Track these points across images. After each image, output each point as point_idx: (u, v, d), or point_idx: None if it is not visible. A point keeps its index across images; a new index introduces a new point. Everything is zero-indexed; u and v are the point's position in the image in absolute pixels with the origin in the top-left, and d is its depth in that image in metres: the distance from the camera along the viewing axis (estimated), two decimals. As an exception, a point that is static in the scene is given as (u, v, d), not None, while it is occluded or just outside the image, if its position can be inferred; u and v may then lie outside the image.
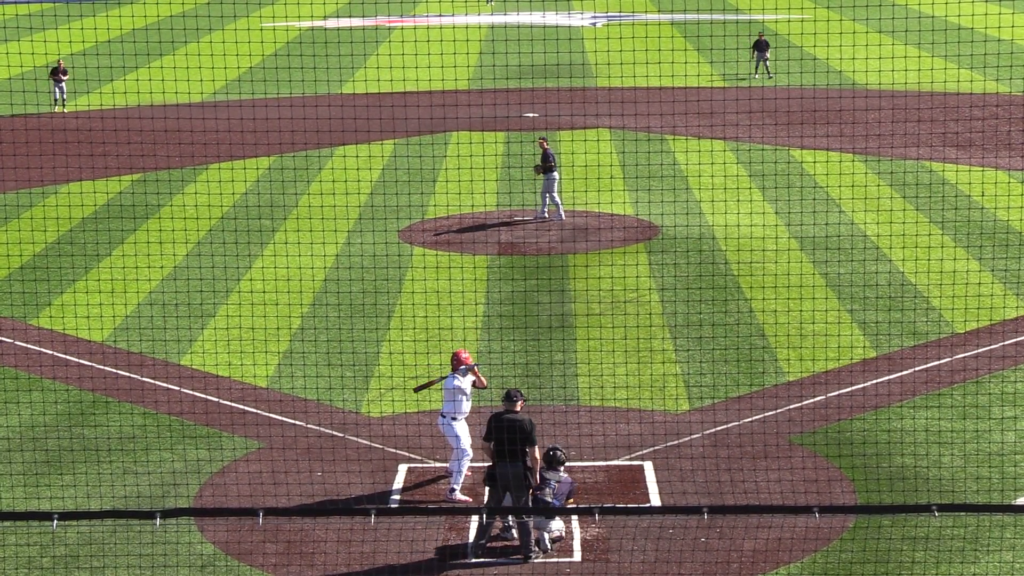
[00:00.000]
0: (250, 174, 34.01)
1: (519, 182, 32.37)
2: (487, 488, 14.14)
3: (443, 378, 15.64)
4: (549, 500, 13.90)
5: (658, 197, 30.53)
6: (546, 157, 28.14)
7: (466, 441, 15.34)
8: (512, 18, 73.04)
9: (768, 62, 49.54)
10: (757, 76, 49.37)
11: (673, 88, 46.03)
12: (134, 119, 41.34)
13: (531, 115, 42.51)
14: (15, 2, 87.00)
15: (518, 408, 14.31)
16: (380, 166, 35.02)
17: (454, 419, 15.33)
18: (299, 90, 46.91)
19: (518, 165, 34.39)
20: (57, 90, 44.05)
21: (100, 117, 42.20)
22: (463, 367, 15.32)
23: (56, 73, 44.14)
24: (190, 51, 55.03)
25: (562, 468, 14.22)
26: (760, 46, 49.31)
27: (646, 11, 75.72)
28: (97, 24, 65.76)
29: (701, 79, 49.01)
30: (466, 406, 15.34)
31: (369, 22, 71.80)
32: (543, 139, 28.94)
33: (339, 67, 51.79)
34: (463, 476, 15.46)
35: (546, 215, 28.65)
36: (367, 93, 46.65)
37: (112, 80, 50.01)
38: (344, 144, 37.58)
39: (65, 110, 44.08)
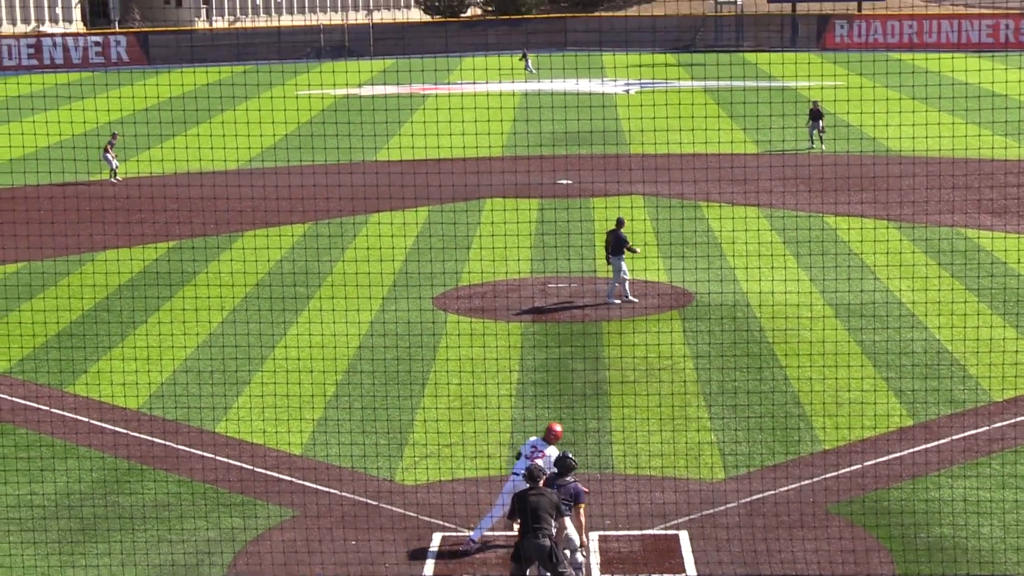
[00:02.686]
0: (285, 241, 34.30)
1: (553, 249, 32.49)
2: (512, 564, 14.25)
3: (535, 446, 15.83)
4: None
5: (692, 264, 30.57)
6: (619, 240, 27.14)
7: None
8: (546, 85, 73.63)
9: (823, 131, 48.55)
10: (813, 146, 48.48)
11: (707, 154, 46.20)
12: (170, 187, 41.82)
13: (565, 182, 42.75)
14: (54, 71, 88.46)
15: (541, 484, 14.42)
16: (414, 233, 35.25)
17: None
18: (334, 157, 47.40)
19: (552, 232, 34.54)
20: (111, 160, 44.59)
21: (136, 185, 42.72)
22: (555, 439, 15.77)
23: (109, 147, 44.77)
24: (226, 119, 55.74)
25: (571, 474, 14.85)
26: (814, 115, 48.56)
27: (679, 79, 76.16)
28: (135, 92, 66.75)
29: (735, 145, 49.18)
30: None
31: (404, 90, 72.55)
32: (620, 220, 27.56)
33: (374, 134, 52.28)
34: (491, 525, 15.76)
35: (616, 301, 27.44)
36: (401, 160, 47.07)
37: (149, 148, 50.67)
38: (379, 211, 37.86)
39: (117, 179, 44.46)
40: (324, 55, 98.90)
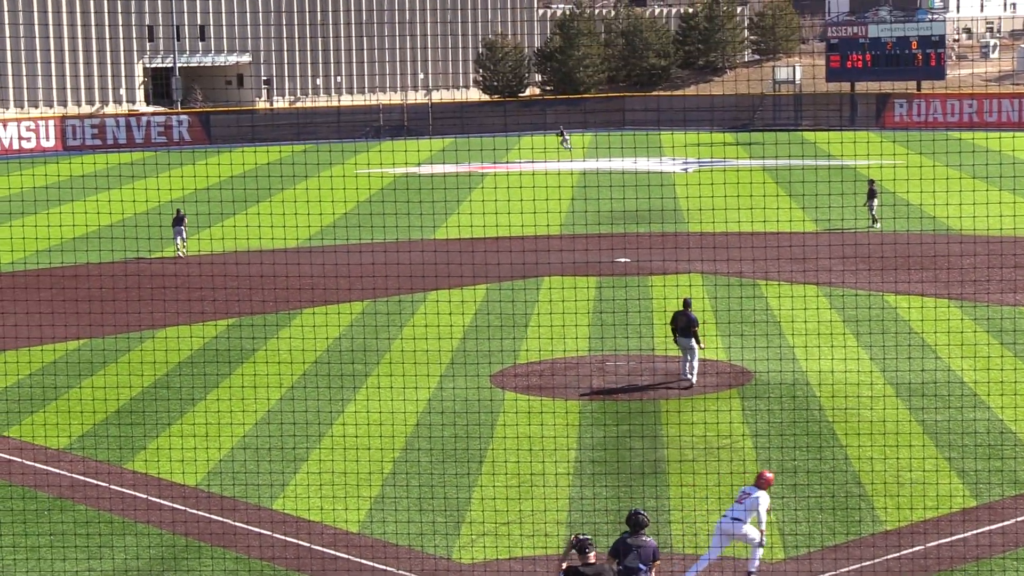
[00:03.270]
0: (343, 319, 34.61)
1: (611, 327, 32.54)
2: None
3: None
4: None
5: (751, 342, 30.50)
6: (690, 321, 26.89)
7: (755, 533, 16.76)
8: (604, 164, 74.04)
9: (874, 209, 48.51)
10: (874, 225, 48.34)
11: (765, 233, 46.19)
12: (230, 264, 42.38)
13: (623, 260, 42.88)
14: (117, 151, 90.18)
15: (592, 559, 14.17)
16: (472, 311, 35.45)
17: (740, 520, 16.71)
18: (392, 235, 47.88)
19: (610, 310, 34.62)
20: (179, 238, 45.85)
21: (197, 263, 43.34)
22: (766, 485, 17.08)
23: (177, 221, 45.99)
24: (286, 198, 56.52)
25: (644, 531, 14.87)
26: (870, 194, 48.50)
27: (737, 157, 76.35)
28: (196, 172, 67.88)
29: (793, 224, 49.14)
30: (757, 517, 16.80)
31: (462, 168, 73.27)
32: (687, 301, 27.51)
33: (432, 212, 52.77)
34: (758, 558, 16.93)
35: (690, 377, 27.13)
36: (460, 238, 47.44)
37: (209, 227, 51.46)
38: (437, 289, 38.15)
39: (187, 254, 45.60)
40: (383, 134, 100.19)
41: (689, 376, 27.17)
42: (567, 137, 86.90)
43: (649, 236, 47.31)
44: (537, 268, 41.29)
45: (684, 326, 26.98)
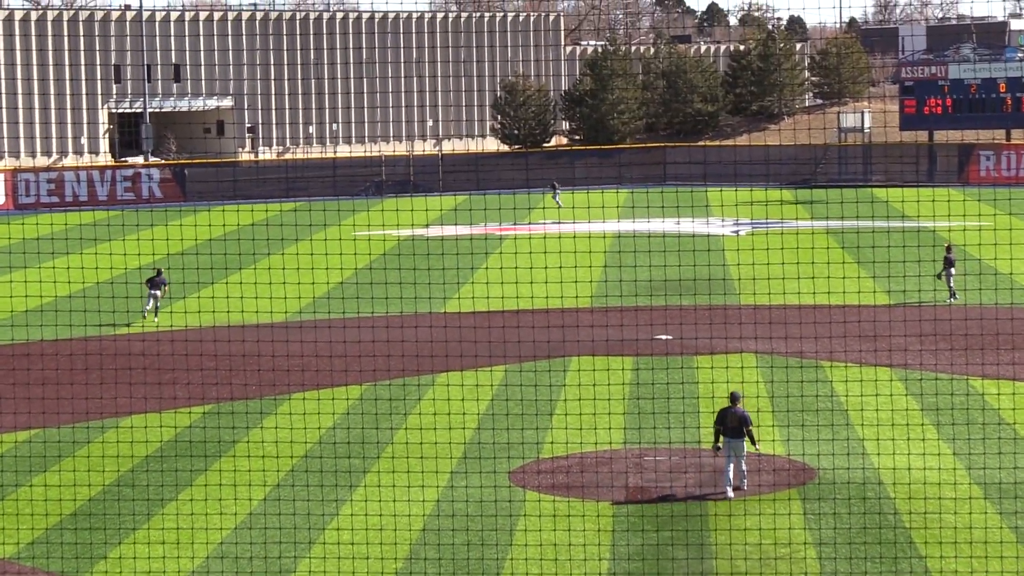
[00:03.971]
0: (338, 405, 34.68)
1: (650, 416, 32.53)
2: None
3: None
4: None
5: (814, 434, 30.44)
6: (743, 420, 26.60)
7: None
8: (641, 226, 74.29)
9: (951, 279, 48.43)
10: (955, 298, 48.24)
11: (830, 306, 46.21)
12: (207, 342, 42.57)
13: (664, 337, 42.94)
14: (77, 209, 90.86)
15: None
16: (488, 396, 35.50)
17: None
18: (396, 308, 48.07)
19: (648, 396, 34.60)
20: (152, 300, 46.91)
21: (169, 340, 43.54)
22: None
23: (154, 282, 47.04)
24: (272, 264, 56.86)
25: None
26: (947, 261, 48.39)
27: (797, 218, 76.49)
28: (169, 234, 68.36)
29: (863, 296, 49.18)
30: None
31: (477, 230, 73.61)
32: (735, 395, 27.10)
33: (442, 282, 53.00)
34: None
35: (742, 487, 26.97)
36: (474, 312, 47.61)
37: (184, 297, 51.75)
38: (447, 371, 38.23)
39: (158, 324, 46.29)
40: (385, 191, 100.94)
41: (740, 486, 26.82)
42: (559, 192, 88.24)
43: (694, 310, 47.35)
44: (564, 347, 41.35)
45: (735, 426, 26.53)
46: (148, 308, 48.46)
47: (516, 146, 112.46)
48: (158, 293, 48.41)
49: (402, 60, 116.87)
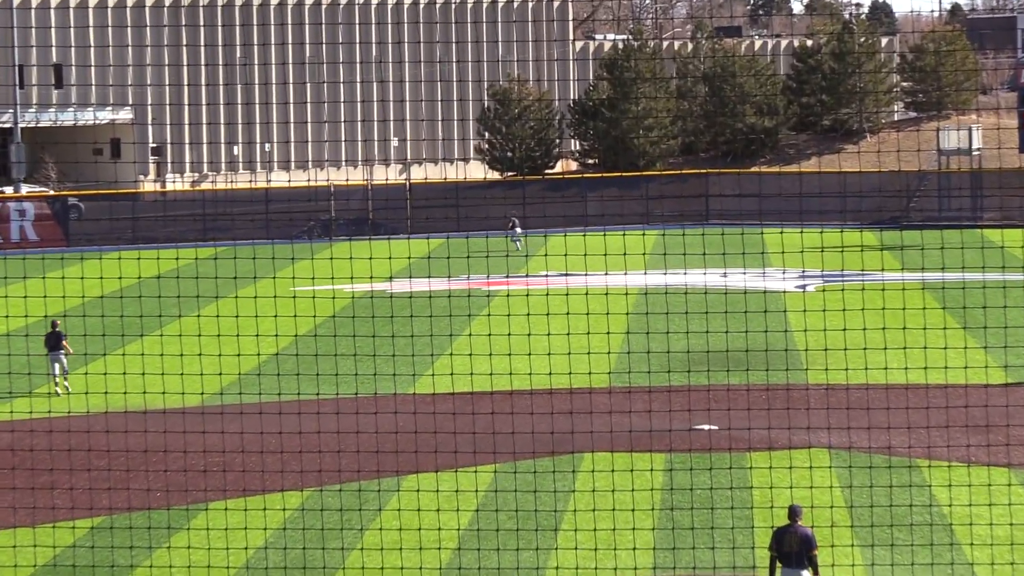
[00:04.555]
0: (272, 518, 34.60)
1: (687, 533, 32.50)
2: None
3: None
4: None
5: (907, 556, 30.40)
6: (807, 542, 26.45)
7: None
8: (676, 279, 74.20)
9: None
10: None
11: (927, 386, 46.21)
12: (96, 432, 42.49)
13: (706, 428, 42.94)
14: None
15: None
16: (472, 506, 35.42)
17: None
18: (349, 388, 48.01)
19: (686, 506, 34.57)
20: (57, 365, 47.34)
21: (46, 430, 43.45)
22: None
23: (54, 339, 47.48)
24: (185, 329, 56.92)
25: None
26: None
27: (883, 268, 76.51)
28: (47, 289, 68.35)
29: (972, 372, 49.21)
30: None
31: (458, 284, 73.65)
32: (796, 509, 27.07)
33: (411, 354, 53.02)
34: None
35: None
36: (453, 393, 47.56)
37: (66, 374, 51.65)
38: (417, 472, 38.17)
39: (69, 390, 46.67)
40: (335, 232, 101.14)
41: None
42: (518, 230, 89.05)
43: (747, 391, 47.31)
44: (573, 440, 41.31)
45: (796, 551, 26.32)
46: (56, 374, 48.88)
47: (509, 173, 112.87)
48: (61, 354, 48.87)
49: (358, 60, 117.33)
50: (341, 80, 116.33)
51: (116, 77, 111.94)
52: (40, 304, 63.23)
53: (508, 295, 68.75)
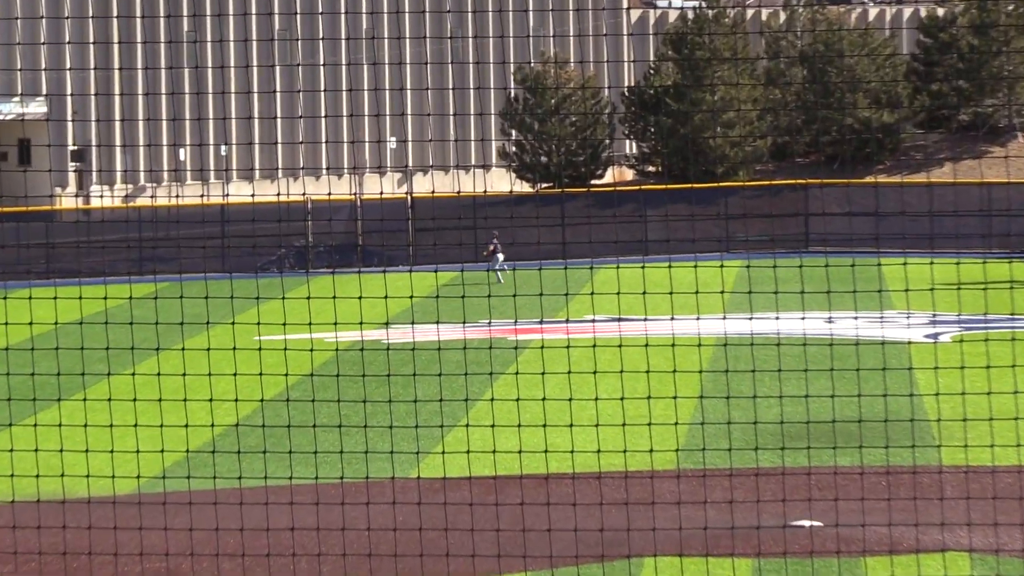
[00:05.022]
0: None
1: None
2: None
3: None
4: None
5: None
6: None
7: None
8: (764, 324, 74.22)
9: None
10: None
11: (1102, 469, 46.23)
12: (3, 528, 42.67)
13: (805, 523, 42.97)
14: None
15: None
16: (497, 627, 35.56)
17: None
18: (332, 471, 48.14)
19: (780, 627, 34.71)
20: None
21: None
22: None
23: None
24: (117, 391, 57.17)
25: None
26: None
27: (1040, 308, 76.47)
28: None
29: None
30: None
31: (476, 333, 73.83)
32: None
33: (414, 424, 53.22)
34: None
35: None
36: (469, 478, 47.70)
37: (-41, 451, 51.86)
38: (425, 580, 38.26)
39: None
40: (314, 262, 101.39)
41: None
42: (500, 256, 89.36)
43: (860, 474, 47.32)
44: (630, 540, 41.38)
45: None
46: None
47: (544, 184, 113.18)
48: None
49: (344, 35, 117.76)
50: (321, 62, 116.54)
51: (25, 58, 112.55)
52: (-76, 358, 63.49)
53: (542, 346, 68.83)
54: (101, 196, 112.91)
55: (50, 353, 62.72)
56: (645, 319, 75.12)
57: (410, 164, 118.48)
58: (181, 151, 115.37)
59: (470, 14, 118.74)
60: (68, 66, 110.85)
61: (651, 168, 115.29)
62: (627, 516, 42.22)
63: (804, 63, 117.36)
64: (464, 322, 75.74)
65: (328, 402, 56.37)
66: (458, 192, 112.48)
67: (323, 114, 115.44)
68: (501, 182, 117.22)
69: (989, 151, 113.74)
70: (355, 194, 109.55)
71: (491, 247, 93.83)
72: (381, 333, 74.13)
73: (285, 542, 38.70)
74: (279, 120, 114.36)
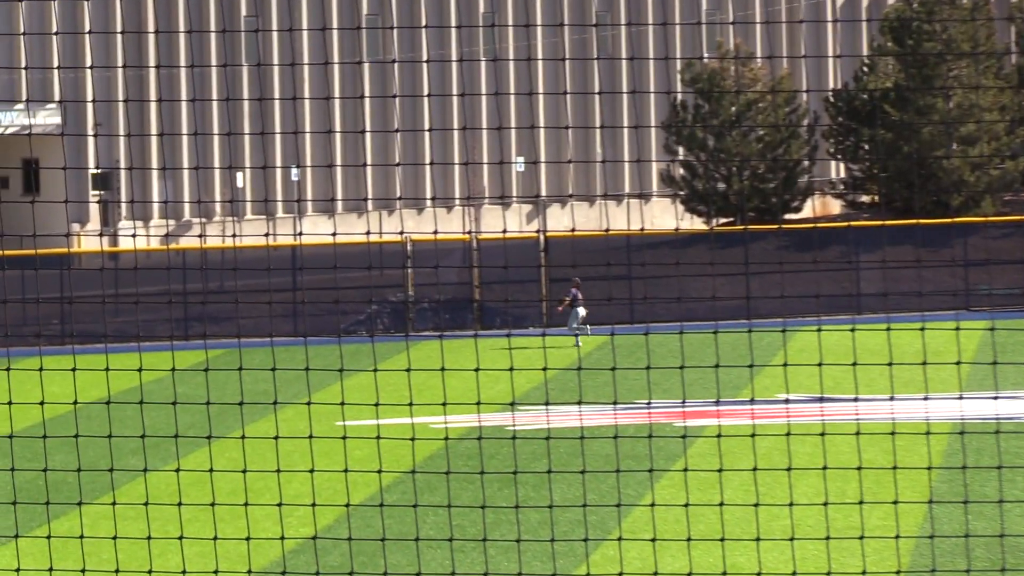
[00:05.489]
0: None
1: None
2: None
3: None
4: None
5: None
6: None
7: None
8: (1016, 404, 74.18)
9: None
10: None
11: None
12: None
13: None
14: None
15: None
16: None
17: None
18: (442, 598, 48.57)
19: None
20: None
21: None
22: None
23: None
24: (156, 496, 57.92)
25: None
26: None
27: None
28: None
29: None
30: None
31: (632, 416, 74.11)
32: None
33: (549, 538, 53.66)
34: None
35: None
36: (623, 608, 48.10)
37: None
38: None
39: None
40: (416, 323, 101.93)
41: None
42: (581, 310, 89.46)
43: None
44: None
45: None
46: None
47: (721, 220, 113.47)
48: None
49: (454, 23, 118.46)
50: (424, 57, 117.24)
51: (32, 54, 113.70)
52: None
53: (719, 435, 69.16)
54: (133, 235, 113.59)
55: (68, 442, 63.49)
56: (856, 399, 75.41)
57: (543, 193, 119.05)
58: (239, 175, 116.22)
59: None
60: (89, 63, 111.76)
61: (865, 198, 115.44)
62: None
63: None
64: (615, 403, 75.99)
65: (436, 507, 56.87)
66: (606, 230, 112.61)
67: (427, 126, 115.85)
68: (664, 216, 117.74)
69: None
70: (470, 233, 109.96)
71: (568, 298, 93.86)
72: (505, 417, 74.61)
73: None
74: (368, 135, 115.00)
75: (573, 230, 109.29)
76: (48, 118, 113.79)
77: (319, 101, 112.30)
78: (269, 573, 51.89)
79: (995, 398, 73.21)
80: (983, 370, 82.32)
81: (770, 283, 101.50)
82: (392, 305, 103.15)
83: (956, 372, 77.06)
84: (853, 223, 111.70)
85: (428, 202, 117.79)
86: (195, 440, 62.37)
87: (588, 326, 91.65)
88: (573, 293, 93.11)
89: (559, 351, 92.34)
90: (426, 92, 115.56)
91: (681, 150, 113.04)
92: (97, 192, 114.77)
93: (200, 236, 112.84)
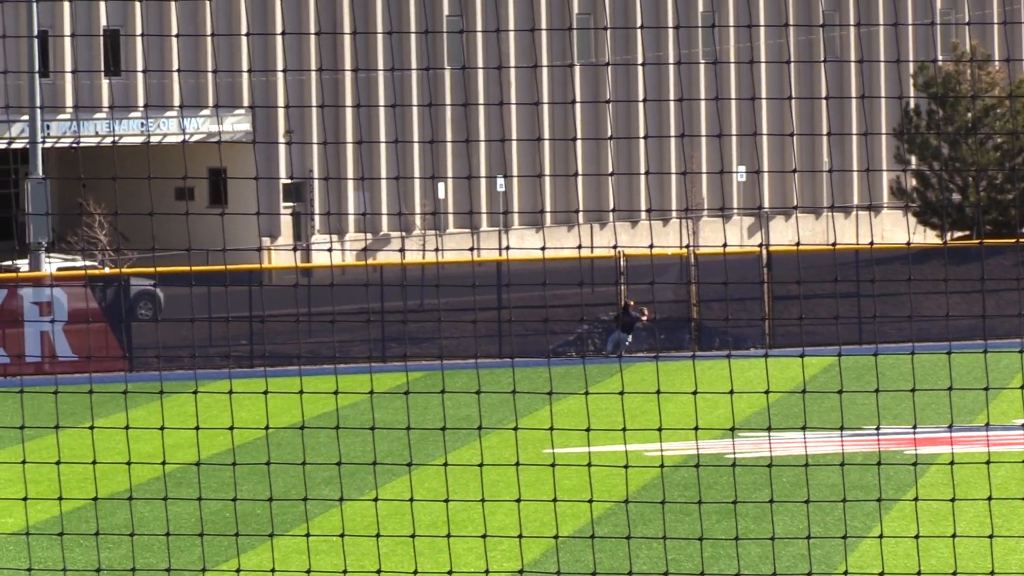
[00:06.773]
0: None
1: None
2: None
3: None
4: None
5: None
6: None
7: None
8: None
9: None
10: None
11: None
12: None
13: None
14: None
15: None
16: None
17: None
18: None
19: None
20: None
21: None
22: None
23: None
24: (352, 521, 58.44)
25: None
26: None
27: None
28: (83, 458, 70.09)
29: None
30: None
31: (859, 443, 74.04)
32: None
33: (771, 572, 53.91)
34: None
35: None
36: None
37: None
38: None
39: None
40: (629, 343, 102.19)
41: None
42: (628, 336, 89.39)
43: None
44: None
45: None
46: None
47: (957, 234, 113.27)
48: None
49: (671, 21, 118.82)
50: (639, 60, 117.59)
51: (220, 55, 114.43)
52: (79, 485, 64.99)
53: (952, 463, 69.03)
54: (329, 249, 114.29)
55: (258, 470, 64.08)
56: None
57: (765, 205, 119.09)
58: (440, 186, 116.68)
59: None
60: (281, 66, 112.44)
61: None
62: None
63: None
64: (842, 428, 76.02)
65: (650, 540, 57.15)
66: (833, 244, 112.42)
67: (641, 133, 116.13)
68: (895, 230, 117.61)
69: None
70: (688, 247, 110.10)
71: (617, 314, 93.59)
72: (725, 444, 74.76)
73: None
74: (579, 143, 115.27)
75: (798, 244, 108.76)
76: (237, 125, 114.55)
77: (527, 107, 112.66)
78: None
79: None
80: None
81: (1007, 301, 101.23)
82: (604, 325, 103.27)
83: None
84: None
85: (643, 214, 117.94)
86: (393, 468, 62.86)
87: (622, 355, 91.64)
88: (635, 315, 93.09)
89: (782, 373, 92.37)
90: (641, 97, 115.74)
91: (913, 159, 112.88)
92: (289, 204, 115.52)
93: (399, 251, 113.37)
